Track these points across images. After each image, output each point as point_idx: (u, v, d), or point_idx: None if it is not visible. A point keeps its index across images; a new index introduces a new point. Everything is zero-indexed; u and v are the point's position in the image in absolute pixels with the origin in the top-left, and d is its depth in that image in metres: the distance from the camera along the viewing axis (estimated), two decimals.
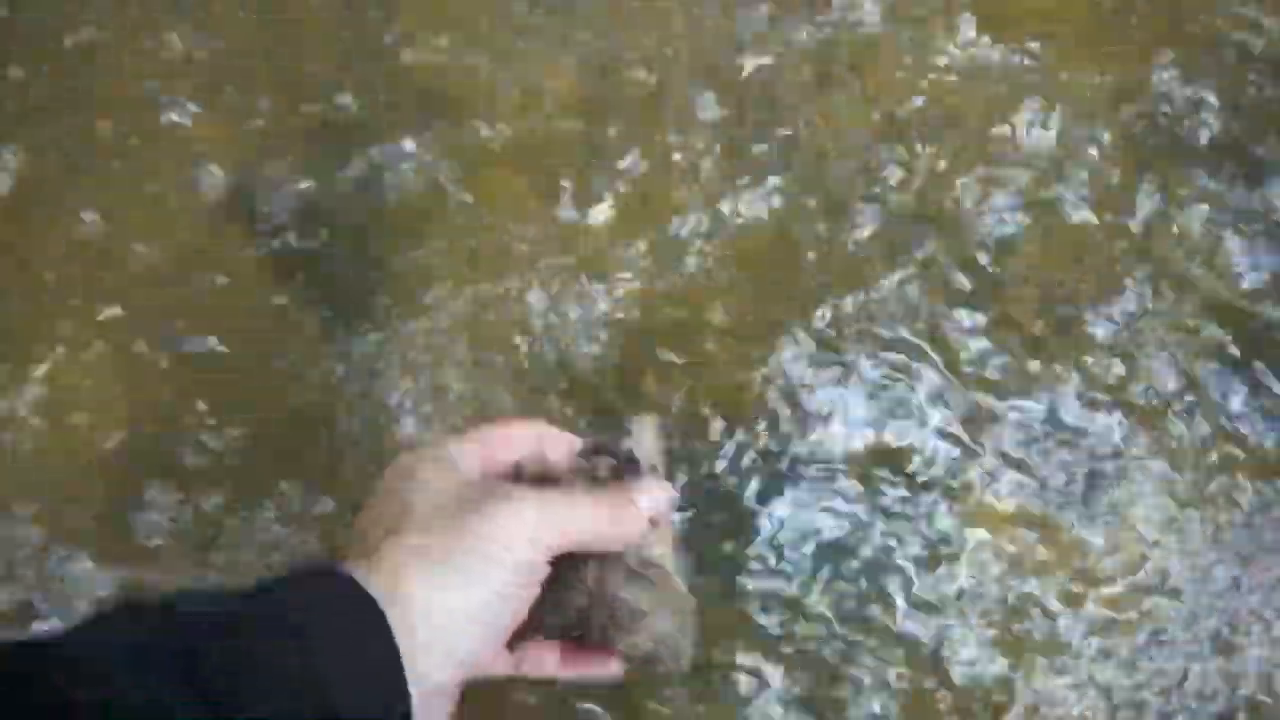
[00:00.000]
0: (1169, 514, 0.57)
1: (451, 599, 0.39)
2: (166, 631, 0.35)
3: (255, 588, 0.38)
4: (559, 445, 0.47)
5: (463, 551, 0.40)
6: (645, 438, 0.50)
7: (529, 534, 0.41)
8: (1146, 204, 0.62)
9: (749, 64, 0.65)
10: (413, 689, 0.37)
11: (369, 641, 0.37)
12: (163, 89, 0.64)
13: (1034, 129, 0.63)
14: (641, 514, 0.45)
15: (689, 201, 0.62)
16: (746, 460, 0.59)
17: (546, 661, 0.47)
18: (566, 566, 0.44)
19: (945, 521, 0.57)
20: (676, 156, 0.63)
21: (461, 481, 0.44)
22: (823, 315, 0.60)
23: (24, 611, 0.56)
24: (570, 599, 0.45)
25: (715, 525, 0.58)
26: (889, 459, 0.59)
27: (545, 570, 0.42)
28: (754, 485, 0.59)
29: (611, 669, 0.47)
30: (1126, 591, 0.56)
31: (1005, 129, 0.63)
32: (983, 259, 0.62)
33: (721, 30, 0.65)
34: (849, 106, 0.64)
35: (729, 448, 0.59)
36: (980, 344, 0.60)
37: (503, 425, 0.48)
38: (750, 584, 0.57)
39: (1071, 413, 0.59)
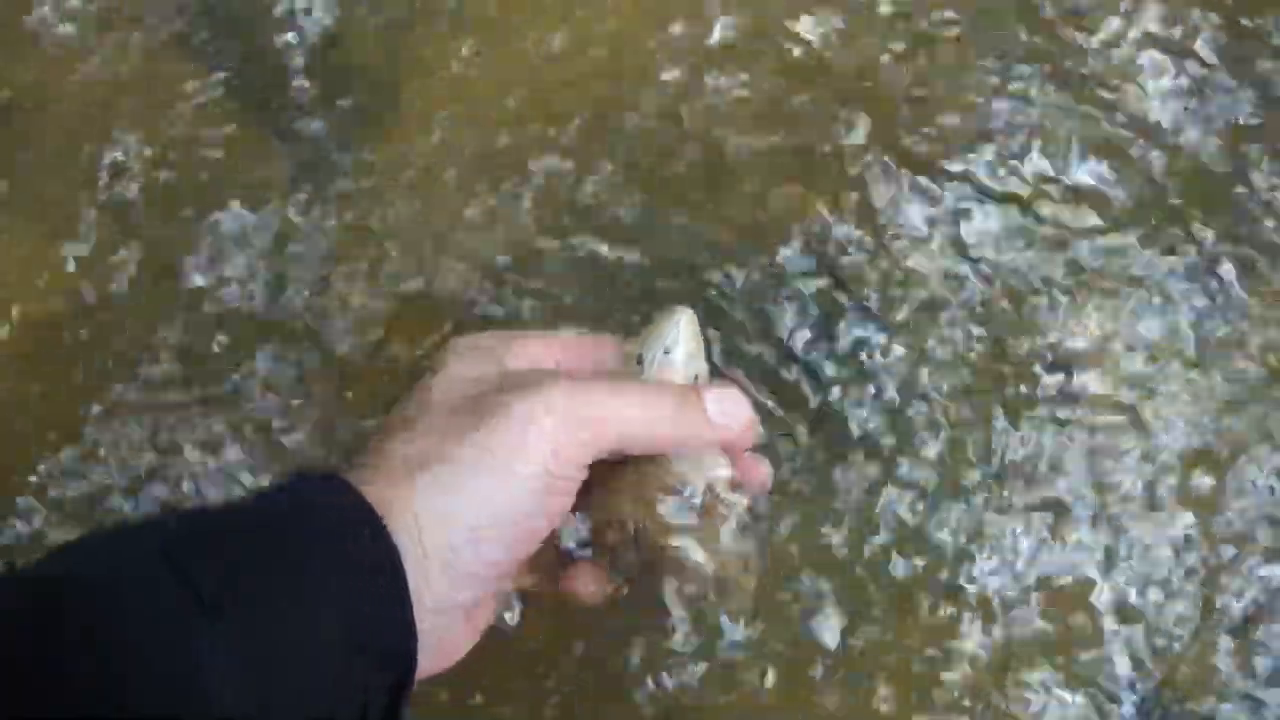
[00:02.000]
0: None
1: (452, 510, 0.34)
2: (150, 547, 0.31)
3: (248, 498, 0.36)
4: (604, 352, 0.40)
5: (469, 462, 0.34)
6: (682, 339, 0.40)
7: (549, 443, 0.34)
8: None
9: None
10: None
11: (365, 551, 0.33)
12: None
13: None
14: (710, 419, 0.37)
15: None
16: None
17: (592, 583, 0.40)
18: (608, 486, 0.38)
19: None
20: None
21: (489, 373, 0.38)
22: None
23: None
24: (603, 530, 0.39)
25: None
26: None
27: (578, 477, 0.36)
28: None
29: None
30: None
31: None
32: None
33: None
34: None
35: None
36: None
37: (538, 335, 0.41)
38: None
39: None
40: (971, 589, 0.47)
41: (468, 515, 0.34)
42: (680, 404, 0.37)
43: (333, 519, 0.33)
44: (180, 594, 0.30)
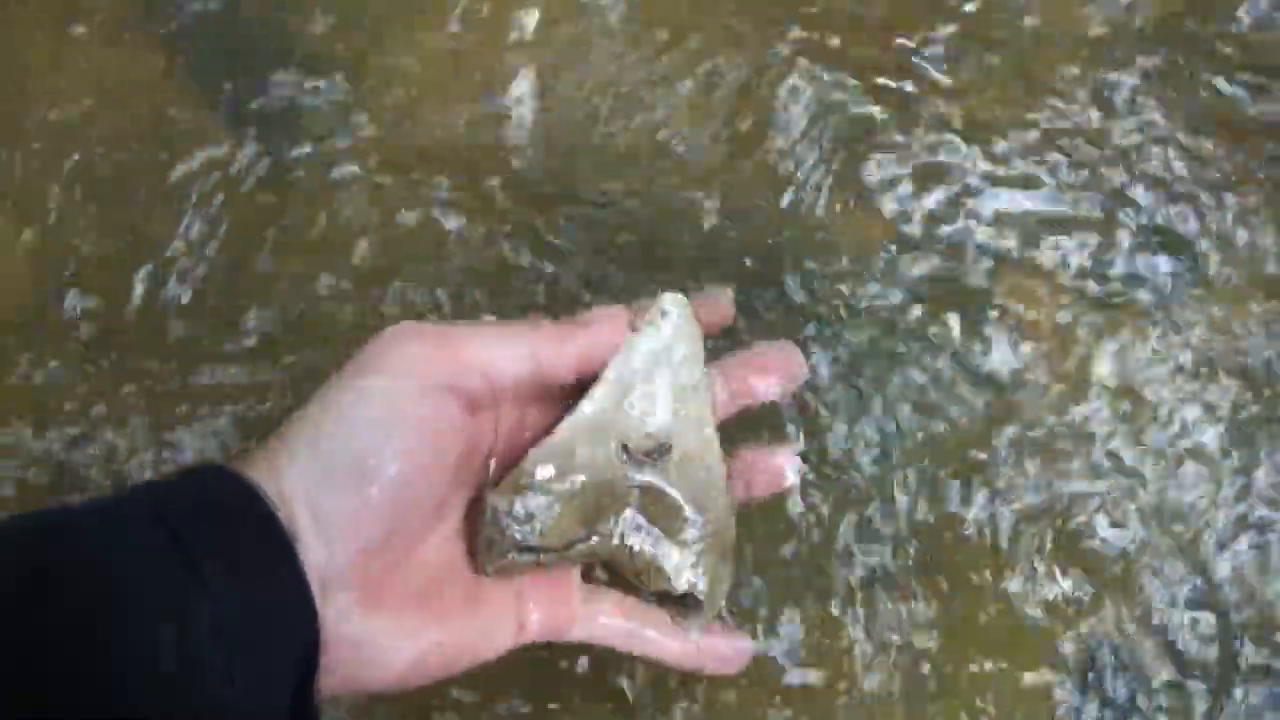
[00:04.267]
0: None
1: (319, 459, 0.33)
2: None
3: (151, 487, 0.33)
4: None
5: (334, 404, 0.33)
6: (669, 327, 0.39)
7: (403, 360, 0.34)
8: None
9: None
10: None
11: (278, 557, 0.31)
12: None
13: None
14: (604, 329, 0.37)
15: None
16: None
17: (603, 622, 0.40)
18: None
19: None
20: None
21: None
22: None
23: None
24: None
25: None
26: None
27: (449, 411, 0.35)
28: None
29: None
30: None
31: None
32: None
33: None
34: None
35: None
36: None
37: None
38: None
39: None
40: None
41: (334, 459, 0.33)
42: (561, 329, 0.37)
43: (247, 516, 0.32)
44: None
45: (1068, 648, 0.46)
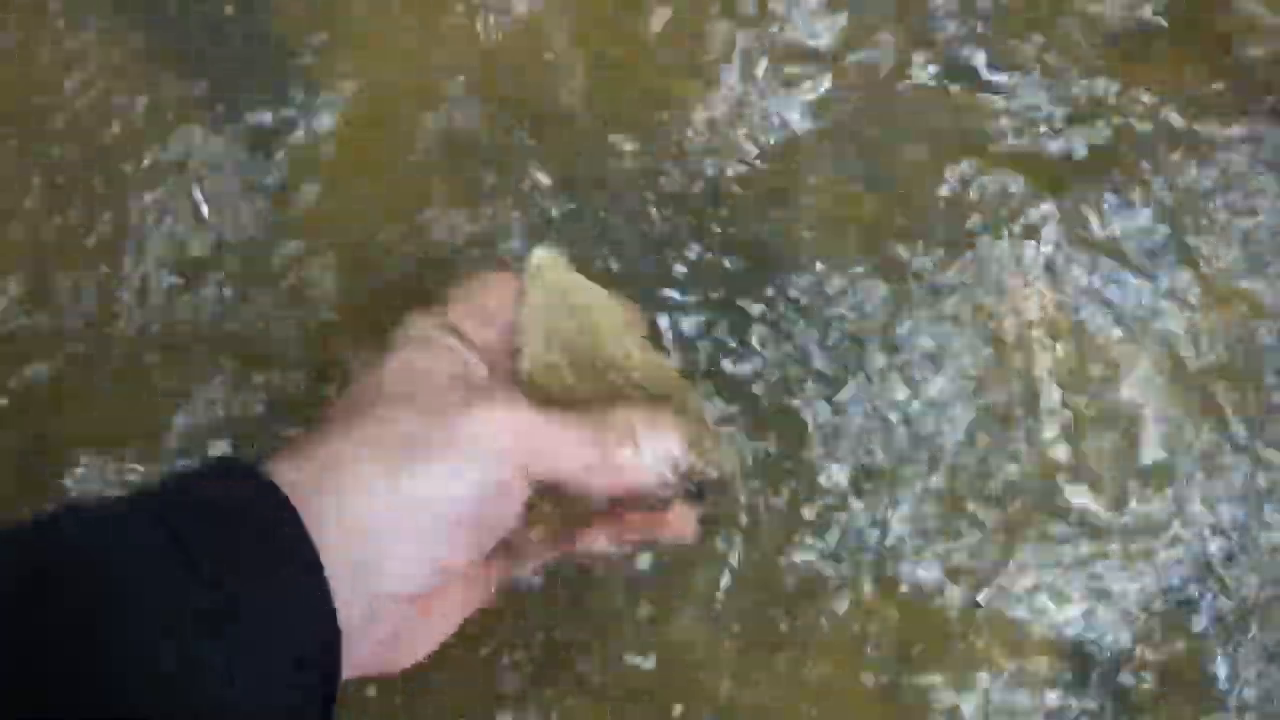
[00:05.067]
0: None
1: (380, 510, 0.32)
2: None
3: (152, 488, 0.32)
4: None
5: (404, 461, 0.32)
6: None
7: (498, 457, 0.33)
8: None
9: None
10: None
11: (279, 557, 0.31)
12: None
13: None
14: (642, 463, 0.36)
15: None
16: None
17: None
18: None
19: None
20: None
21: (440, 367, 0.36)
22: None
23: None
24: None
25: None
26: None
27: (519, 496, 0.35)
28: None
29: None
30: None
31: None
32: None
33: None
34: None
35: None
36: None
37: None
38: None
39: None
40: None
41: (399, 519, 0.32)
42: (605, 450, 0.36)
43: (249, 516, 0.31)
44: None
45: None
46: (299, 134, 0.51)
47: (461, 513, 0.33)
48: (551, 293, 0.39)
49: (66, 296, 0.50)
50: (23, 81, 0.52)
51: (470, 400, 0.34)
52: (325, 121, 0.51)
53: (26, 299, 0.50)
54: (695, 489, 0.39)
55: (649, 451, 0.36)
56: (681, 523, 0.40)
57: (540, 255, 0.40)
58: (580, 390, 0.39)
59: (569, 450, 0.35)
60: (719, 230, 0.50)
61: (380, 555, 0.32)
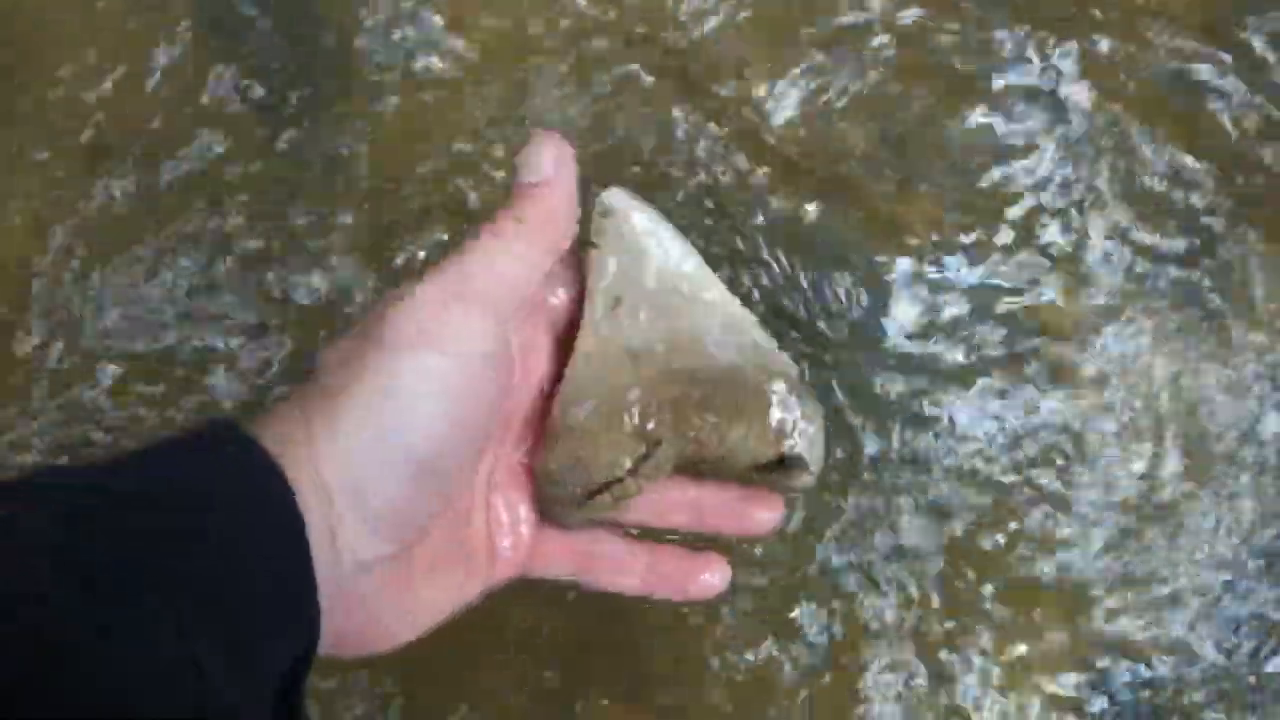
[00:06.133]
0: None
1: (373, 451, 0.30)
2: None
3: (134, 455, 0.31)
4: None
5: (369, 379, 0.30)
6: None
7: (454, 327, 0.31)
8: None
9: None
10: (324, 570, 0.30)
11: (262, 515, 0.29)
12: None
13: None
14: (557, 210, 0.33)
15: None
16: None
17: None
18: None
19: None
20: None
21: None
22: None
23: None
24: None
25: None
26: None
27: (496, 383, 0.33)
28: None
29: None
30: None
31: None
32: None
33: None
34: None
35: None
36: None
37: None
38: None
39: None
40: None
41: (369, 438, 0.30)
42: (536, 222, 0.33)
43: (231, 486, 0.30)
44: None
45: None
46: None
47: (413, 439, 0.31)
48: (627, 252, 0.35)
49: None
50: None
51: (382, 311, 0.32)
52: None
53: None
54: (787, 468, 0.36)
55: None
56: (768, 505, 0.38)
57: (614, 197, 0.35)
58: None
59: (511, 267, 0.33)
60: None
61: (359, 500, 0.31)
